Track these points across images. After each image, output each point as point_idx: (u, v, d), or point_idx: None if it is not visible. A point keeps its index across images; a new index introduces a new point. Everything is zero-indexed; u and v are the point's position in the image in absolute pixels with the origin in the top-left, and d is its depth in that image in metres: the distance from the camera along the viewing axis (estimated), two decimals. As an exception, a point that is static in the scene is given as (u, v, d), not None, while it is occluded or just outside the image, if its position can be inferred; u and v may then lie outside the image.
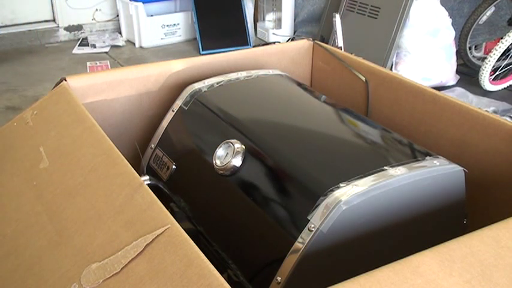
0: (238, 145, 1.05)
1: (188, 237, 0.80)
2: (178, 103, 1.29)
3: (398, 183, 0.91)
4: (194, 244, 0.78)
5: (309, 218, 0.86)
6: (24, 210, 1.07)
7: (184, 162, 1.21)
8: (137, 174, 0.94)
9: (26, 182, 1.11)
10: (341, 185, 0.88)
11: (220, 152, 1.07)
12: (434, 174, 0.96)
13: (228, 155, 1.05)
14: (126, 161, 0.99)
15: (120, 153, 1.02)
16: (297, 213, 0.92)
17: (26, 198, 1.09)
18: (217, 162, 1.06)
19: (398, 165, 0.94)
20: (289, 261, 0.86)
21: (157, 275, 0.77)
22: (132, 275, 0.79)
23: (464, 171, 1.00)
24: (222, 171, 1.05)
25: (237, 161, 1.03)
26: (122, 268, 0.80)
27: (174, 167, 1.20)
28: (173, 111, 1.28)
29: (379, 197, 0.89)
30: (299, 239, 0.86)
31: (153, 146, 1.28)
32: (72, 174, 1.01)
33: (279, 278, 0.86)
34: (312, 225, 0.85)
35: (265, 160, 1.03)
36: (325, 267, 0.88)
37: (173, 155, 1.23)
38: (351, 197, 0.86)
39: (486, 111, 1.19)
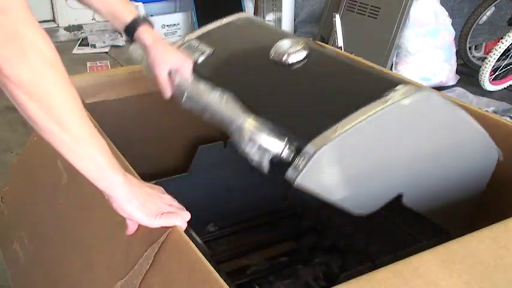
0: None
1: (188, 240, 0.80)
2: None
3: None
4: (195, 247, 0.78)
5: None
6: (58, 233, 1.10)
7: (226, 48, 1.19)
8: (139, 177, 0.95)
9: (53, 201, 1.12)
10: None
11: (282, 43, 1.05)
12: None
13: (292, 48, 1.04)
14: (128, 164, 0.99)
15: (122, 156, 1.03)
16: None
17: (57, 220, 1.12)
18: (277, 51, 1.04)
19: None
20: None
21: (168, 283, 0.78)
22: None
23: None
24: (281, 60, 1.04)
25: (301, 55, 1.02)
26: (140, 283, 0.82)
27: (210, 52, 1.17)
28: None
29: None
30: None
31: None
32: (86, 185, 1.04)
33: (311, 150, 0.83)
34: None
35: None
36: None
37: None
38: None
39: (486, 111, 1.19)
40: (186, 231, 0.84)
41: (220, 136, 1.49)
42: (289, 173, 0.82)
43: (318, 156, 0.81)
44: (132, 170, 0.97)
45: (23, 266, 1.18)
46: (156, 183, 1.12)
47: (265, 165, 0.84)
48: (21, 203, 1.28)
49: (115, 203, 0.82)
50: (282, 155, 0.84)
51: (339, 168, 0.85)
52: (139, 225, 0.86)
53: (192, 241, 0.80)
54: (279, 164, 0.84)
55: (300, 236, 1.55)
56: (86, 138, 0.76)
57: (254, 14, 4.10)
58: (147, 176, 1.13)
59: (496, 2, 3.14)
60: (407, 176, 0.95)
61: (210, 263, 0.75)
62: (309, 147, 0.82)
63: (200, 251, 0.77)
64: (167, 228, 0.83)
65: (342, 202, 0.86)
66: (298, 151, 0.83)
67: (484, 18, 3.20)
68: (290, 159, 0.83)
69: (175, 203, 0.89)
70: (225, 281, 0.70)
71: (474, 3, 3.33)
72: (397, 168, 0.93)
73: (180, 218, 0.85)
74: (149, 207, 0.83)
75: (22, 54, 0.68)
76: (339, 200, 0.86)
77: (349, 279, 0.71)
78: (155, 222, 0.83)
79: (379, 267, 0.73)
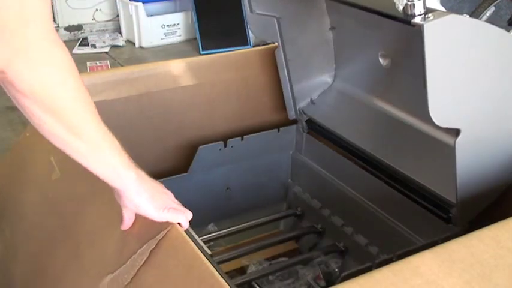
0: None
1: (187, 237, 0.80)
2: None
3: None
4: (194, 245, 0.78)
5: None
6: (44, 226, 1.09)
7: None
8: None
9: (42, 195, 1.12)
10: None
11: None
12: None
13: None
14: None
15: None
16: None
17: (44, 213, 1.12)
18: None
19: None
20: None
21: (164, 280, 0.78)
22: (141, 284, 0.81)
23: None
24: None
25: None
26: (132, 278, 0.82)
27: None
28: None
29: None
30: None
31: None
32: (81, 182, 1.04)
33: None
34: None
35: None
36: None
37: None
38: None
39: (486, 111, 1.19)
40: (186, 230, 0.84)
41: (220, 136, 1.50)
42: (418, 19, 0.88)
43: (449, 19, 0.89)
44: (132, 170, 0.97)
45: (1, 258, 1.19)
46: (156, 183, 1.12)
47: (402, 3, 0.91)
48: (7, 196, 1.27)
49: (124, 196, 0.83)
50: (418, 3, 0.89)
51: (453, 50, 0.93)
52: (135, 222, 0.87)
53: (192, 240, 0.80)
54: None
55: (300, 236, 1.55)
56: (100, 144, 0.78)
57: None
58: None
59: (496, 2, 3.14)
60: (471, 113, 1.00)
61: (209, 262, 0.75)
62: (444, 12, 0.90)
63: (200, 251, 0.77)
64: (166, 225, 0.83)
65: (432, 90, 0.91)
66: (431, 10, 0.90)
67: (484, 18, 3.20)
68: (422, 11, 0.89)
69: (176, 201, 0.90)
70: (225, 280, 0.71)
71: (474, 3, 3.33)
72: (469, 98, 0.99)
73: (185, 216, 0.86)
74: (157, 201, 0.85)
75: (37, 67, 0.68)
76: (432, 89, 0.91)
77: (349, 279, 0.71)
78: (162, 216, 0.84)
79: (379, 267, 0.73)
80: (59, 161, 1.12)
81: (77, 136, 0.75)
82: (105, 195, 0.99)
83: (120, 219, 0.86)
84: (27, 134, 1.31)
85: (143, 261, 0.81)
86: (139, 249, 0.82)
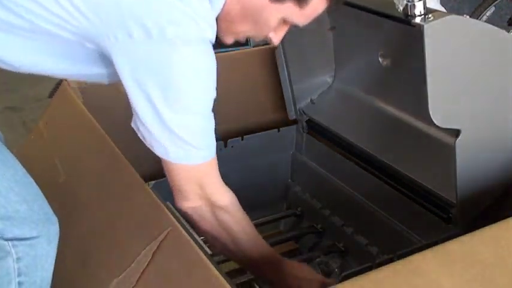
0: None
1: (188, 238, 0.80)
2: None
3: None
4: (194, 244, 0.78)
5: None
6: None
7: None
8: (139, 177, 0.95)
9: (50, 200, 1.13)
10: None
11: None
12: None
13: None
14: (129, 163, 1.00)
15: (123, 156, 1.03)
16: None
17: None
18: None
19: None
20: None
21: (167, 281, 0.79)
22: (146, 286, 0.82)
23: None
24: None
25: None
26: (137, 281, 0.83)
27: None
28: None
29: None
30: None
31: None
32: (86, 185, 1.04)
33: None
34: None
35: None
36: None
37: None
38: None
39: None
40: (187, 230, 0.84)
41: (221, 136, 1.50)
42: (418, 19, 0.89)
43: (449, 19, 0.90)
44: (133, 169, 0.97)
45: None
46: (156, 183, 1.13)
47: (402, 3, 0.92)
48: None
49: None
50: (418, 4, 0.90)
51: (453, 51, 0.93)
52: (136, 224, 0.87)
53: (193, 240, 0.80)
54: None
55: (300, 236, 1.55)
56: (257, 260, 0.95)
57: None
58: (147, 176, 1.13)
59: (496, 2, 3.14)
60: (471, 113, 1.01)
61: (210, 262, 0.75)
62: (444, 13, 0.91)
63: (200, 250, 0.77)
64: (166, 225, 0.83)
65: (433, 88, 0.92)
66: (431, 11, 0.91)
67: (484, 18, 3.20)
68: (422, 11, 0.90)
69: None
70: (225, 280, 0.71)
71: (474, 3, 3.33)
72: (469, 98, 1.00)
73: None
74: None
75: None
76: (433, 90, 0.92)
77: (349, 279, 0.71)
78: None
79: (379, 267, 0.73)
80: (63, 164, 1.12)
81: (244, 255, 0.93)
82: (109, 197, 0.99)
83: (120, 220, 0.87)
84: (32, 137, 1.31)
85: (146, 263, 0.82)
86: (143, 251, 0.83)
